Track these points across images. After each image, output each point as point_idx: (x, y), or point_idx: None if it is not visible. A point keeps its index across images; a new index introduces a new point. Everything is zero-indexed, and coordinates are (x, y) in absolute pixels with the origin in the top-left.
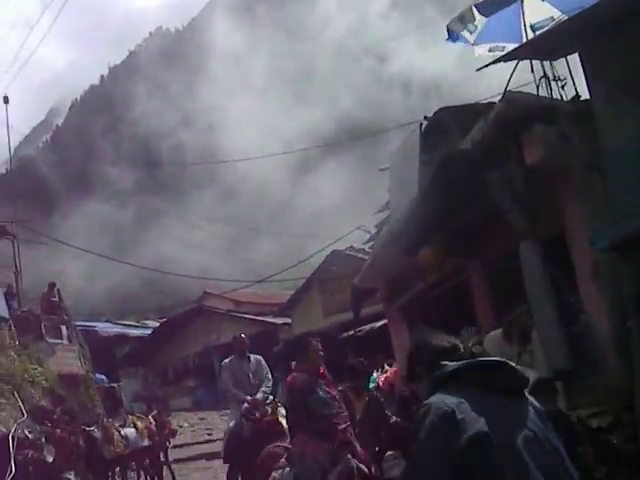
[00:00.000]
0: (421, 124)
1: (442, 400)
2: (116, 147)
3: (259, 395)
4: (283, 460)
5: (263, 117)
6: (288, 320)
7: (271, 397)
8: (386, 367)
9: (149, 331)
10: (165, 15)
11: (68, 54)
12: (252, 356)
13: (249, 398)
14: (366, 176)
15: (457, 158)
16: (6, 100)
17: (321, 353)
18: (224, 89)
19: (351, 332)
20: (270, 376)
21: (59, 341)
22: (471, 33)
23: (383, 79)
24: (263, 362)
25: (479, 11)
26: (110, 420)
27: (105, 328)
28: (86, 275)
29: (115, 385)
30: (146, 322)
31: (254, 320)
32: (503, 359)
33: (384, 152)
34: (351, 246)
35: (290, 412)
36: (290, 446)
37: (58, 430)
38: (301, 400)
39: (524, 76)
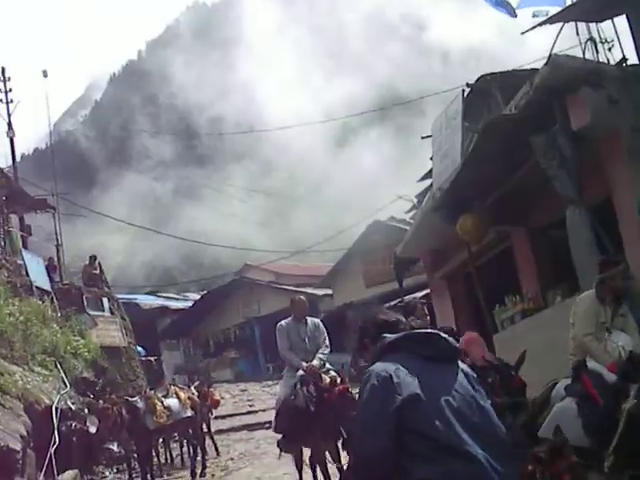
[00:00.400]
0: (463, 91)
1: (382, 367)
2: (154, 120)
3: (315, 362)
4: None
5: (301, 89)
6: (329, 291)
7: (328, 364)
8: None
9: (190, 303)
10: None
11: (106, 29)
12: (310, 319)
13: (305, 364)
14: (405, 146)
15: (502, 124)
16: (45, 74)
17: None
18: (261, 61)
19: (392, 303)
20: (328, 342)
21: (101, 313)
22: None
23: (421, 48)
24: (322, 326)
25: None
26: (153, 391)
27: (146, 300)
28: (125, 249)
29: (152, 359)
30: (187, 295)
31: (295, 291)
32: (435, 331)
33: (423, 121)
34: (392, 216)
35: None
36: None
37: (101, 401)
38: None
39: (566, 43)
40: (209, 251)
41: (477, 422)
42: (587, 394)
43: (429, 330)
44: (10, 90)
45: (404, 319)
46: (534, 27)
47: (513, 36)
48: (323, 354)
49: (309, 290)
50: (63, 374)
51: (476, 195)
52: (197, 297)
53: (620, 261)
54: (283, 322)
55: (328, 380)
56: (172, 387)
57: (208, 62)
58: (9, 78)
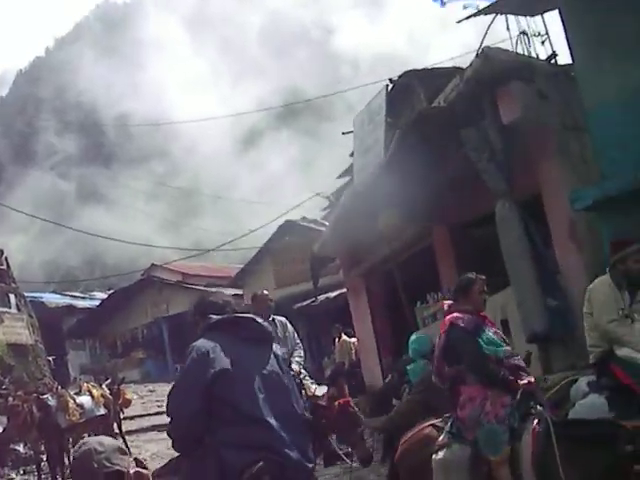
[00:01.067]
0: (387, 86)
1: (202, 343)
2: (61, 117)
3: (294, 366)
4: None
5: (210, 90)
6: (239, 291)
7: (304, 371)
8: (344, 336)
9: (97, 303)
10: None
11: (11, 25)
12: (277, 318)
13: None
14: (312, 149)
15: (431, 116)
16: None
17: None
18: (171, 62)
19: (304, 303)
20: (300, 342)
21: (7, 310)
22: None
23: (330, 54)
24: (290, 325)
25: None
26: (64, 389)
27: (52, 299)
28: (27, 249)
29: (50, 358)
30: (93, 294)
31: (204, 291)
32: (251, 315)
33: (328, 125)
34: (304, 217)
35: (452, 361)
36: (441, 424)
37: (11, 398)
38: (471, 342)
39: (489, 38)
40: (112, 252)
41: (277, 397)
42: (620, 385)
43: (245, 315)
44: None
45: (232, 302)
46: (468, 17)
47: (422, 41)
48: (300, 357)
49: (219, 291)
50: None
51: (398, 191)
52: (104, 296)
53: (633, 241)
54: None
55: (314, 389)
56: (85, 384)
57: (117, 60)
58: None
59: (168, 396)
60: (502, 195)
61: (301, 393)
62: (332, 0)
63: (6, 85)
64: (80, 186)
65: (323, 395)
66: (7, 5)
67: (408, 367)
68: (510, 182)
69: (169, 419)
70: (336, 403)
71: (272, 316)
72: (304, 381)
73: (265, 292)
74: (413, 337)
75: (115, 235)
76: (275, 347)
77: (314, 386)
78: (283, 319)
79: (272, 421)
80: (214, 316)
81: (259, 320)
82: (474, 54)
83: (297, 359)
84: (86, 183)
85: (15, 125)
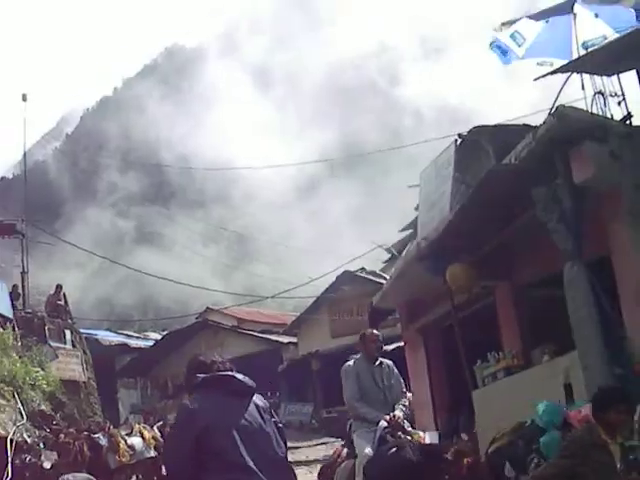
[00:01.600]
0: (455, 141)
1: (190, 400)
2: (125, 156)
3: (398, 412)
4: None
5: (274, 133)
6: (294, 339)
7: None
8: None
9: (150, 343)
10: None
11: (82, 65)
12: (384, 362)
13: (387, 416)
14: (371, 200)
15: (502, 174)
16: (24, 98)
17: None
18: (237, 106)
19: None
20: (406, 391)
21: (62, 345)
22: (519, 46)
23: (394, 103)
24: (396, 370)
25: (531, 18)
26: (116, 428)
27: (106, 337)
28: (82, 285)
29: None
30: (147, 334)
31: (259, 337)
32: (233, 373)
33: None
34: (362, 267)
35: None
36: None
37: (62, 435)
38: None
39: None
40: (166, 293)
41: (258, 443)
42: None
43: (227, 373)
44: None
45: (220, 361)
46: (544, 75)
47: (485, 94)
48: (405, 405)
49: (273, 337)
50: (20, 405)
51: (464, 247)
52: (158, 337)
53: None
54: (350, 362)
55: (423, 437)
56: (136, 425)
57: (182, 102)
58: None
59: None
60: (571, 256)
61: (284, 440)
62: (398, 50)
63: (73, 123)
64: (138, 225)
65: (446, 447)
66: (78, 45)
67: (542, 440)
68: (580, 243)
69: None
70: (465, 460)
71: (380, 359)
72: (408, 429)
73: (375, 332)
74: (542, 407)
75: (170, 276)
76: (256, 398)
77: (422, 434)
78: (390, 363)
79: (254, 466)
80: (200, 375)
81: (238, 377)
82: (537, 111)
83: (401, 406)
84: (144, 222)
85: (79, 162)
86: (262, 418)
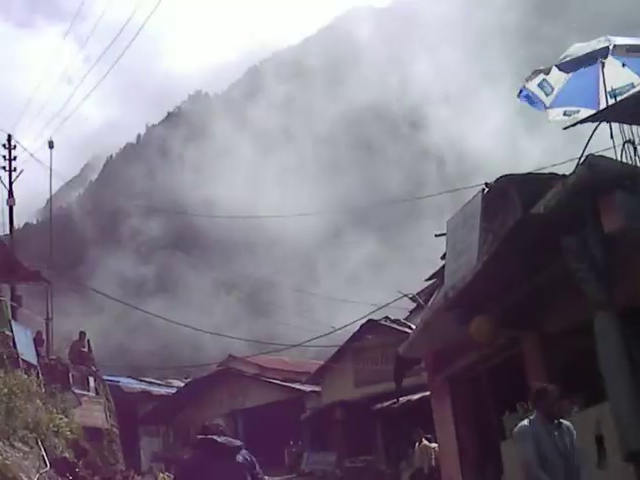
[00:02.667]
0: (483, 189)
1: (188, 457)
2: (148, 201)
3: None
4: None
5: (298, 179)
6: (317, 388)
7: None
8: (424, 441)
9: (173, 390)
10: (205, 79)
11: (107, 112)
12: (564, 423)
13: None
14: (394, 247)
15: (530, 223)
16: (51, 145)
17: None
18: (262, 150)
19: (385, 404)
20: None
21: (86, 392)
22: (547, 95)
23: (419, 150)
24: (575, 433)
25: (560, 69)
26: (140, 476)
27: (129, 384)
28: (103, 331)
29: None
30: (170, 381)
31: (282, 386)
32: (214, 437)
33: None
34: (387, 317)
35: None
36: None
37: None
38: None
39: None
40: (187, 340)
41: None
42: None
43: (206, 437)
44: (14, 158)
45: (213, 424)
46: (574, 124)
47: (511, 144)
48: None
49: (296, 386)
50: (44, 452)
51: (491, 296)
52: (180, 384)
53: None
54: (525, 422)
55: None
56: (160, 474)
57: (205, 147)
58: (14, 146)
59: None
60: (601, 306)
61: None
62: (421, 94)
63: (96, 170)
64: (160, 271)
65: None
66: (101, 94)
67: None
68: (610, 293)
69: None
70: None
71: (560, 420)
72: None
73: (554, 388)
74: None
75: (191, 323)
76: (239, 455)
77: None
78: (570, 424)
79: None
80: (199, 436)
81: (219, 440)
82: (568, 159)
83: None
84: (166, 268)
85: (102, 208)
86: (238, 471)
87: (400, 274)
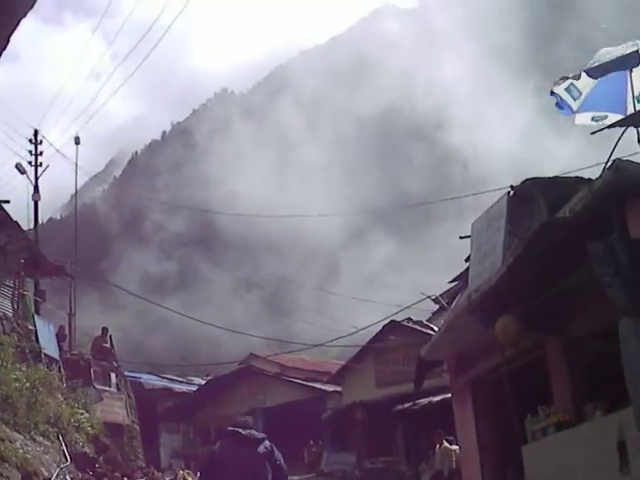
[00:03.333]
0: (508, 193)
1: (215, 445)
2: (172, 199)
3: None
4: None
5: (322, 177)
6: (338, 388)
7: None
8: (445, 443)
9: (194, 388)
10: (231, 77)
11: (133, 109)
12: None
13: None
14: (418, 247)
15: (556, 227)
16: (77, 141)
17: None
18: (287, 148)
19: (406, 405)
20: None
21: (107, 388)
22: (575, 100)
23: (442, 152)
24: None
25: (589, 75)
26: (160, 473)
27: (150, 380)
28: (125, 327)
29: None
30: (191, 379)
31: (303, 385)
32: (238, 429)
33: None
34: (409, 318)
35: None
36: None
37: (106, 479)
38: None
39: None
40: (208, 339)
41: (253, 474)
42: None
43: (235, 429)
44: (41, 153)
45: (247, 421)
46: (602, 129)
47: (531, 143)
48: None
49: (317, 385)
50: (64, 447)
51: (515, 299)
52: (201, 382)
53: None
54: None
55: None
56: (180, 471)
57: (232, 143)
58: (40, 141)
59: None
60: (626, 311)
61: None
62: (446, 94)
63: (121, 166)
64: (182, 267)
65: None
66: (128, 91)
67: None
68: (635, 298)
69: None
70: None
71: None
72: None
73: None
74: None
75: (211, 321)
76: (261, 446)
77: None
78: None
79: None
80: (228, 428)
81: (241, 432)
82: (589, 164)
83: None
84: (188, 265)
85: (126, 204)
86: (258, 459)
87: (420, 276)
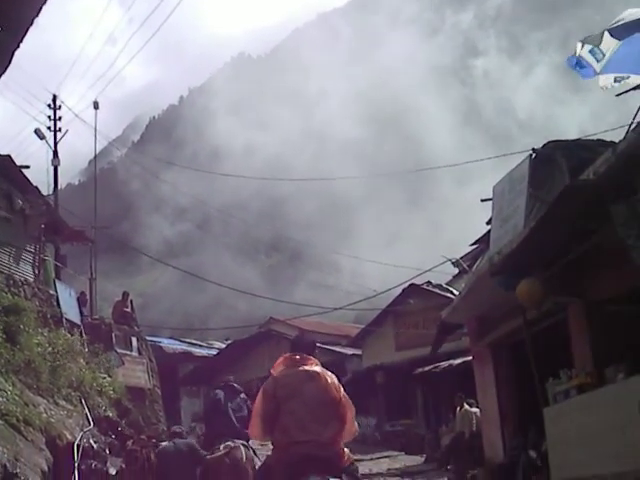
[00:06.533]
0: (530, 155)
1: (216, 391)
2: (190, 163)
3: None
4: None
5: (339, 140)
6: (358, 351)
7: None
8: (465, 406)
9: (214, 351)
10: (248, 41)
11: (149, 74)
12: None
13: None
14: (434, 211)
15: (579, 189)
16: (96, 106)
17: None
18: (304, 114)
19: (426, 368)
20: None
21: (129, 352)
22: (598, 61)
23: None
24: None
25: (612, 35)
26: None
27: (170, 344)
28: (147, 292)
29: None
30: (211, 342)
31: (322, 348)
32: (229, 382)
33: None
34: (429, 281)
35: None
36: None
37: (130, 442)
38: None
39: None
40: (228, 302)
41: (236, 415)
42: None
43: (227, 383)
44: (59, 118)
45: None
46: (627, 91)
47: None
48: None
49: (337, 349)
50: (87, 411)
51: (537, 262)
52: (222, 346)
53: None
54: None
55: None
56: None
57: (245, 108)
58: (59, 106)
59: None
60: None
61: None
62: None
63: (138, 131)
64: (199, 229)
65: None
66: (143, 55)
67: None
68: None
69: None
70: None
71: None
72: None
73: None
74: None
75: (234, 286)
76: (239, 397)
77: None
78: None
79: (234, 422)
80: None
81: (233, 385)
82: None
83: None
84: (206, 227)
85: (145, 168)
86: (239, 405)
87: (441, 239)
